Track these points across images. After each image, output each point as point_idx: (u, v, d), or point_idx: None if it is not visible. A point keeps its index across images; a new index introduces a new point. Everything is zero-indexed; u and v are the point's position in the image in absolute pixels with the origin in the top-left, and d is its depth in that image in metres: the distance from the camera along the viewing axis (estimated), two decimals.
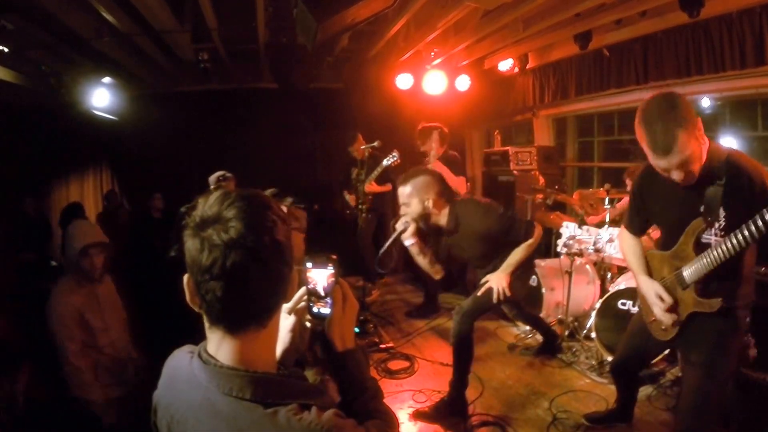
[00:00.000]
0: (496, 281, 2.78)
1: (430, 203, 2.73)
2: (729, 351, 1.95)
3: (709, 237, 1.83)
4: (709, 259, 1.79)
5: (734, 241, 1.69)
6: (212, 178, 4.34)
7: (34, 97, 5.03)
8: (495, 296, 2.77)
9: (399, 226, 2.84)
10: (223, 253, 0.78)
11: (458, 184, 4.29)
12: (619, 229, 2.33)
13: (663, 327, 2.07)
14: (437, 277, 3.04)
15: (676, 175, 1.73)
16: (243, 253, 0.79)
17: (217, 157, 5.60)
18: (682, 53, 3.65)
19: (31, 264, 4.86)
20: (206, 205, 0.83)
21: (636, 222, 2.19)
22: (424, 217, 2.77)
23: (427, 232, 2.90)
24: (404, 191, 2.75)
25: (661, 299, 1.98)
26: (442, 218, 2.80)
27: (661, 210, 2.02)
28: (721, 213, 1.77)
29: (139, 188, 6.35)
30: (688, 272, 1.89)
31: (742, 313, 1.94)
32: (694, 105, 4.06)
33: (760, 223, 1.59)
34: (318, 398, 0.85)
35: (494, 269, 2.84)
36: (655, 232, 2.71)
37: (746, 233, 1.64)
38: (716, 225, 1.79)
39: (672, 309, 1.97)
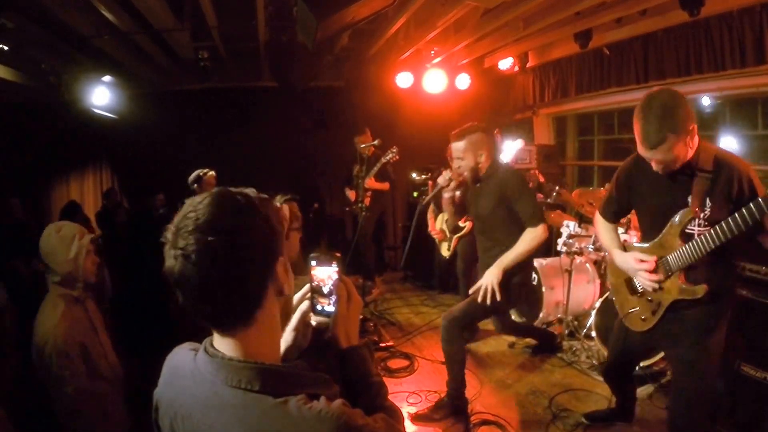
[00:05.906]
0: (488, 278, 2.64)
1: (482, 158, 2.77)
2: (712, 344, 1.96)
3: (693, 228, 1.87)
4: (696, 247, 1.81)
5: (722, 229, 1.72)
6: (191, 178, 4.32)
7: (34, 95, 5.02)
8: (481, 295, 2.63)
9: (441, 181, 2.97)
10: (197, 238, 0.77)
11: None
12: (595, 216, 2.35)
13: (642, 317, 2.07)
14: (467, 225, 3.32)
15: (655, 165, 1.83)
16: (218, 235, 0.78)
17: (217, 156, 5.59)
18: (682, 52, 3.65)
19: (16, 273, 4.22)
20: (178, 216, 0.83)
21: (613, 208, 2.23)
22: (474, 171, 2.80)
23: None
24: (459, 146, 2.77)
25: (643, 261, 1.98)
26: (483, 170, 2.82)
27: (649, 197, 2.03)
28: (707, 203, 1.82)
29: (139, 187, 6.35)
30: (674, 259, 1.91)
31: (726, 302, 1.96)
32: (693, 104, 4.11)
33: (746, 214, 1.64)
34: (326, 388, 0.85)
35: (493, 260, 2.71)
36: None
37: (733, 224, 1.68)
38: (702, 215, 1.84)
39: (656, 271, 1.97)
